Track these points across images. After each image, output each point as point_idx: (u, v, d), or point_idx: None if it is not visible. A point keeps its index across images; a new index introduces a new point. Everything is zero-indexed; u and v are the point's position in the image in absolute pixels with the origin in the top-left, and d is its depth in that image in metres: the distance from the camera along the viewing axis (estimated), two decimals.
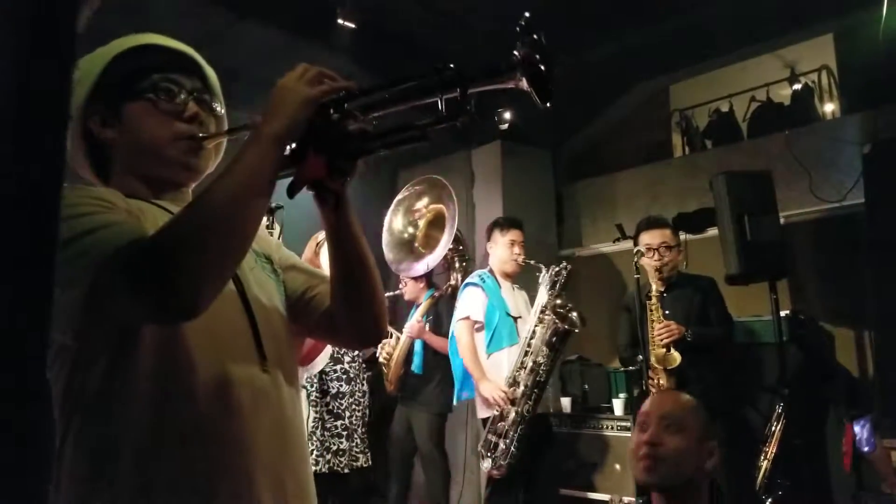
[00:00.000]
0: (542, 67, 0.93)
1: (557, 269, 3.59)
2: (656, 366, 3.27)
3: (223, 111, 1.20)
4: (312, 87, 0.95)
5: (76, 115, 1.10)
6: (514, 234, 3.73)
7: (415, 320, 4.10)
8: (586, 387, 4.76)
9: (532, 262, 3.69)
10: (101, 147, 1.11)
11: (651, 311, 3.36)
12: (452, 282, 4.20)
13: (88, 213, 0.94)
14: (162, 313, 0.89)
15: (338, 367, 3.65)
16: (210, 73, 1.19)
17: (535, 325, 3.47)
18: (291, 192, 1.00)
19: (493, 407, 3.42)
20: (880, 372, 3.55)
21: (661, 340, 3.26)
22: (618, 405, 4.40)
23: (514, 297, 3.77)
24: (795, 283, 4.41)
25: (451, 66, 0.94)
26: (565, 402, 4.69)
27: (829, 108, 5.35)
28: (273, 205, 2.60)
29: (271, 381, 1.05)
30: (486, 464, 3.39)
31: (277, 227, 2.62)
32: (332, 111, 0.97)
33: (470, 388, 3.64)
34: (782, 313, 3.91)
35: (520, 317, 3.69)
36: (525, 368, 3.42)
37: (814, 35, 4.96)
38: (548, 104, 0.96)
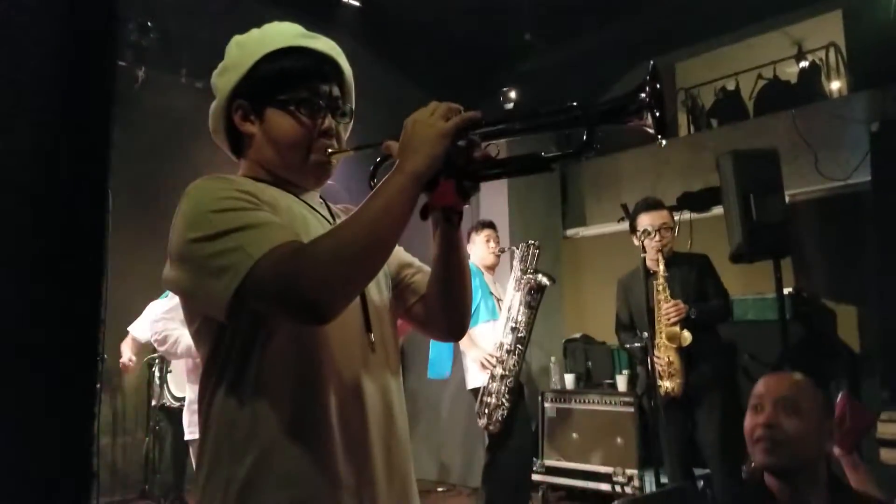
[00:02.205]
0: (661, 111, 1.01)
1: (527, 245, 3.89)
2: (668, 344, 3.31)
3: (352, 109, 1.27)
4: (446, 122, 1.02)
5: (222, 98, 1.18)
6: (487, 233, 4.02)
7: None
8: (590, 364, 4.83)
9: (508, 248, 4.05)
10: (239, 133, 1.20)
11: (658, 290, 3.40)
12: None
13: (241, 208, 1.02)
14: (300, 317, 0.98)
15: None
16: (348, 75, 1.24)
17: (514, 295, 3.78)
18: (425, 215, 1.09)
19: (483, 371, 3.68)
20: (884, 344, 3.58)
21: (670, 319, 3.31)
22: (621, 381, 4.46)
23: (494, 286, 3.99)
24: (799, 261, 4.44)
25: (579, 105, 1.02)
26: (569, 379, 4.76)
27: (836, 85, 5.33)
28: None
29: (378, 360, 1.15)
30: (483, 421, 3.66)
31: None
32: (460, 140, 1.04)
33: (442, 369, 3.85)
34: (785, 291, 3.94)
35: (501, 299, 3.89)
36: (509, 331, 3.72)
37: (822, 12, 4.93)
38: (663, 140, 1.04)
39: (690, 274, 3.50)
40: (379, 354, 1.15)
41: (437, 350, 3.97)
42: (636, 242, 3.51)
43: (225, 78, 1.18)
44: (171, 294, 3.64)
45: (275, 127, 1.16)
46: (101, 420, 3.82)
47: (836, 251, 4.40)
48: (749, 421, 1.55)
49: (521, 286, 3.77)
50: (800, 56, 5.38)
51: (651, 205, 3.62)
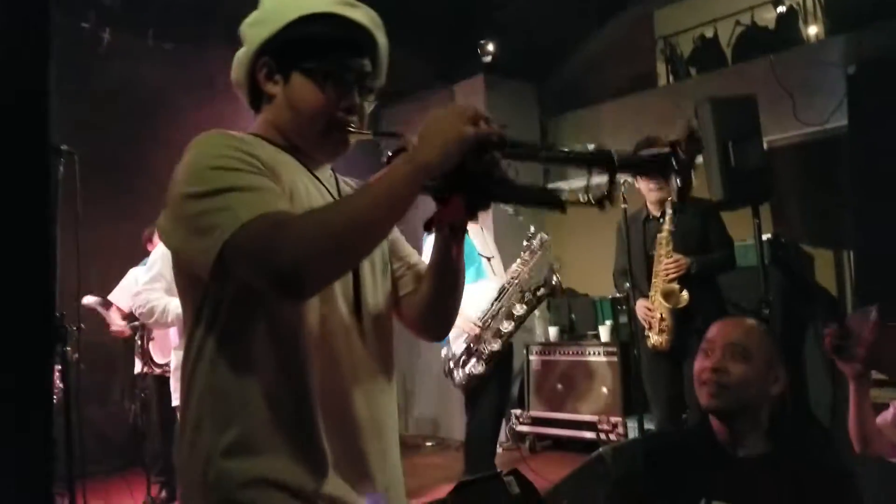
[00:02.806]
0: (686, 181, 1.01)
1: (540, 241, 3.74)
2: (662, 301, 3.28)
3: (380, 85, 1.22)
4: (471, 127, 0.97)
5: (250, 51, 1.14)
6: None
7: None
8: (573, 316, 4.88)
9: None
10: (260, 89, 1.15)
11: (661, 243, 3.36)
12: None
13: (239, 168, 0.99)
14: (275, 289, 0.95)
15: None
16: (383, 49, 1.18)
17: (513, 289, 3.65)
18: (429, 227, 1.07)
19: (464, 336, 3.61)
20: (860, 287, 3.65)
21: (669, 275, 3.28)
22: (604, 332, 4.51)
23: (482, 238, 3.86)
24: (777, 207, 4.47)
25: (608, 151, 1.01)
26: (552, 332, 4.81)
27: (813, 30, 5.30)
28: None
29: (368, 343, 1.13)
30: (454, 381, 3.65)
31: None
32: (481, 154, 0.99)
33: None
34: (764, 237, 3.98)
35: (492, 257, 3.80)
36: (503, 318, 3.60)
37: None
38: (684, 201, 1.03)
39: (694, 221, 3.45)
40: (368, 338, 1.13)
41: None
42: (641, 186, 3.44)
43: (255, 30, 1.13)
44: (149, 262, 3.58)
45: (297, 94, 1.11)
46: (85, 390, 3.81)
47: (813, 196, 4.45)
48: (698, 364, 1.58)
49: (527, 287, 3.66)
50: (777, 1, 5.33)
51: (652, 141, 3.56)
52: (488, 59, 4.78)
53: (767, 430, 1.54)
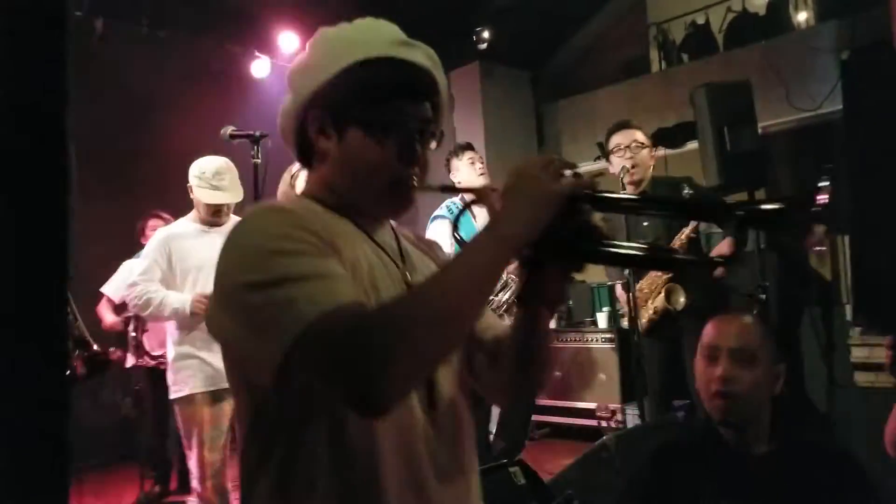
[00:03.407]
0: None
1: None
2: (662, 299, 3.26)
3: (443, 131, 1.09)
4: (558, 183, 0.86)
5: (298, 103, 1.00)
6: (470, 155, 3.75)
7: None
8: (570, 302, 4.89)
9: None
10: (311, 143, 1.02)
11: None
12: None
13: (300, 251, 0.86)
14: (353, 402, 0.81)
15: None
16: (443, 90, 1.05)
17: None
18: (523, 303, 0.98)
19: None
20: (855, 272, 3.68)
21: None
22: (601, 318, 4.53)
23: (486, 218, 3.81)
24: (773, 192, 4.49)
25: (721, 201, 0.90)
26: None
27: (803, 16, 5.33)
28: (257, 133, 2.56)
29: (445, 439, 1.00)
30: None
31: (262, 157, 2.58)
32: (572, 211, 0.88)
33: None
34: None
35: None
36: (501, 309, 3.54)
37: None
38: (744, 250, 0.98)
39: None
40: (444, 428, 0.98)
41: None
42: (612, 168, 3.45)
43: (304, 79, 1.00)
44: (144, 253, 3.53)
45: (355, 149, 0.98)
46: (78, 383, 3.76)
47: (807, 181, 4.47)
48: (704, 372, 1.52)
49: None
50: None
51: (621, 124, 3.54)
52: (483, 46, 4.75)
53: (770, 424, 1.52)
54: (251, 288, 0.85)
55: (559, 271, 0.96)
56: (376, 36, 1.00)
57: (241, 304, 0.86)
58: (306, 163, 1.06)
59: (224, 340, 0.95)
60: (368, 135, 0.97)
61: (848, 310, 3.62)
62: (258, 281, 0.84)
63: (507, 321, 3.48)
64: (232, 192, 2.97)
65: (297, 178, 3.80)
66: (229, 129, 2.55)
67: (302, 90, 1.00)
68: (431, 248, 1.17)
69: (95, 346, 2.85)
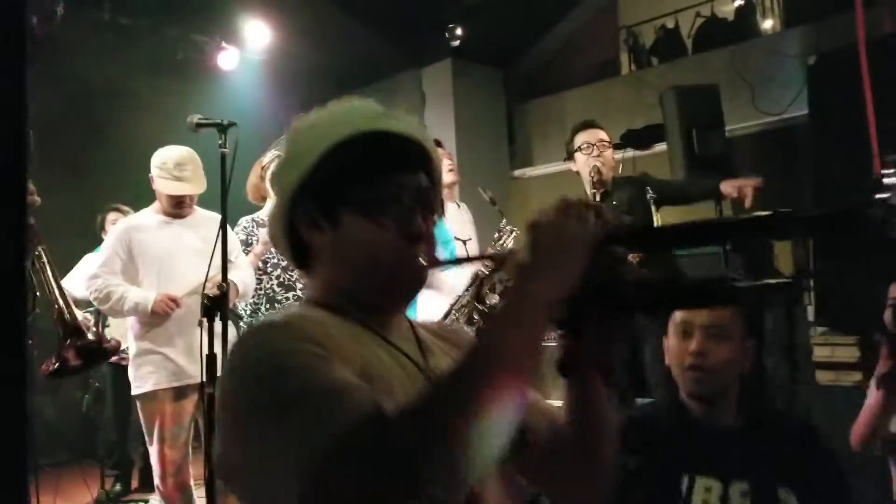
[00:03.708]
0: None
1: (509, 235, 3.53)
2: None
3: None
4: (585, 226, 0.77)
5: (284, 202, 0.92)
6: (439, 152, 3.74)
7: None
8: None
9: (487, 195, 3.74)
10: (305, 243, 0.93)
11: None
12: None
13: (308, 366, 0.76)
14: None
15: (290, 294, 3.62)
16: (436, 159, 0.96)
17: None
18: (564, 372, 0.88)
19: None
20: (817, 273, 3.76)
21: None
22: None
23: (459, 217, 3.79)
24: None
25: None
26: None
27: (769, 24, 5.43)
28: (225, 122, 2.50)
29: None
30: None
31: (230, 147, 2.52)
32: (605, 256, 0.78)
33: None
34: None
35: (469, 239, 3.72)
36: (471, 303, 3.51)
37: None
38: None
39: (631, 196, 3.42)
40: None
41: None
42: (576, 167, 3.47)
43: (285, 176, 0.92)
44: (104, 245, 3.44)
45: (352, 237, 0.89)
46: (36, 379, 3.65)
47: (772, 183, 4.55)
48: (677, 347, 1.55)
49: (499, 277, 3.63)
50: None
51: (588, 123, 3.56)
52: (456, 43, 4.74)
53: (738, 399, 1.56)
54: (256, 414, 0.75)
55: (603, 328, 0.85)
56: (354, 113, 0.93)
57: (245, 434, 0.76)
58: (304, 267, 0.96)
59: (233, 480, 0.82)
60: (364, 217, 0.88)
61: (810, 310, 3.69)
62: (263, 406, 0.75)
63: (470, 330, 3.51)
64: (195, 183, 2.91)
65: (267, 170, 3.75)
66: (196, 118, 2.49)
67: (286, 187, 0.91)
68: (458, 336, 1.04)
69: (90, 335, 2.73)
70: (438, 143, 3.98)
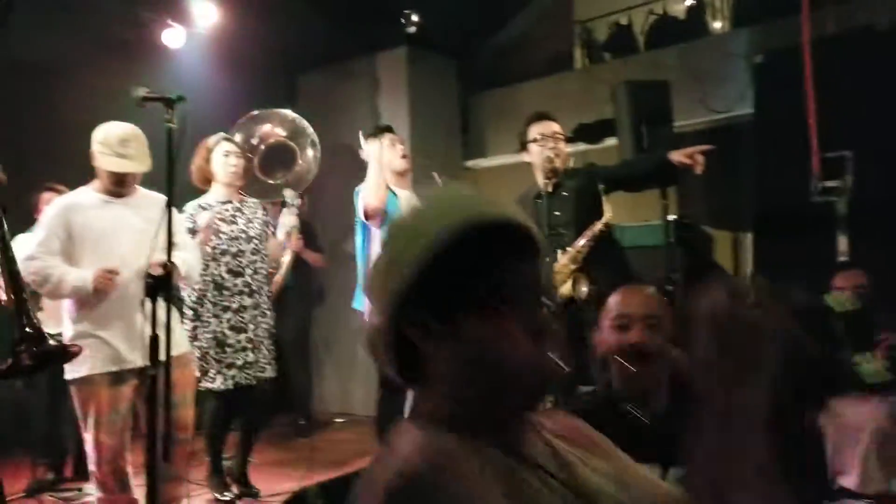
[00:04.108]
0: None
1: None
2: (569, 286, 3.30)
3: None
4: (775, 319, 0.71)
5: (389, 311, 0.81)
6: (391, 136, 3.71)
7: (287, 237, 4.01)
8: None
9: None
10: (414, 353, 0.82)
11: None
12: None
13: None
14: None
15: (238, 280, 3.54)
16: (539, 242, 0.85)
17: None
18: None
19: None
20: (756, 267, 3.88)
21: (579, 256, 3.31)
22: None
23: (409, 204, 3.79)
24: (683, 189, 4.68)
25: None
26: None
27: (718, 24, 5.57)
28: (173, 96, 2.41)
29: None
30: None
31: (176, 122, 2.43)
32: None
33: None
34: (670, 218, 4.16)
35: None
36: None
37: None
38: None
39: (580, 186, 3.40)
40: None
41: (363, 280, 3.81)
42: (529, 158, 3.49)
43: (391, 279, 0.80)
44: (38, 225, 3.30)
45: (475, 341, 0.78)
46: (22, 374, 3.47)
47: (716, 180, 4.67)
48: (612, 338, 1.59)
49: None
50: None
51: (541, 115, 3.58)
52: (412, 30, 4.69)
53: (669, 386, 1.59)
54: None
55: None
56: (459, 204, 0.82)
57: None
58: (414, 382, 0.85)
59: None
60: (486, 317, 0.78)
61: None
62: None
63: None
64: (139, 161, 2.81)
65: (214, 152, 3.67)
66: (142, 91, 2.39)
67: (391, 296, 0.80)
68: (589, 439, 0.96)
69: (52, 341, 2.57)
70: (389, 129, 3.97)
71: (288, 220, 3.83)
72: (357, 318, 4.27)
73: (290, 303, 4.70)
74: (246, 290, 3.55)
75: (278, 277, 4.47)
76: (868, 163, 3.36)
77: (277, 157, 3.84)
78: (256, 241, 3.61)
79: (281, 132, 3.91)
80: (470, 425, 0.79)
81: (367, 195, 3.56)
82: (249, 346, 3.51)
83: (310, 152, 3.90)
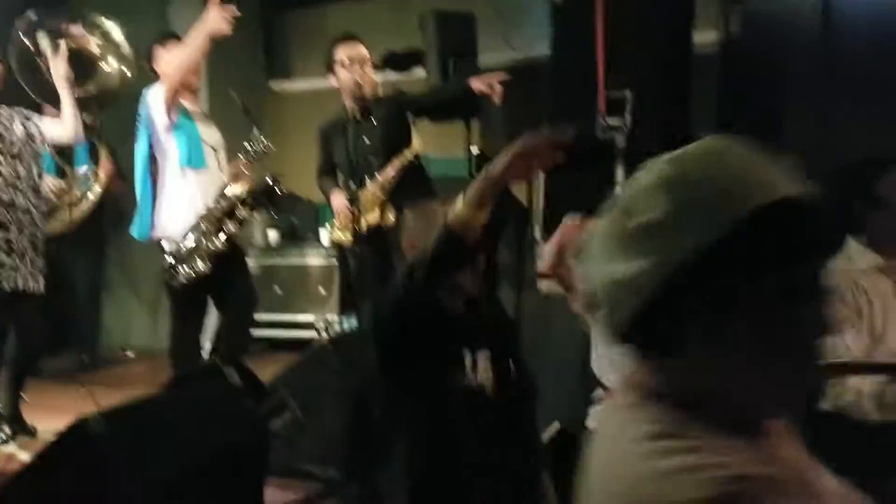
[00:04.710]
0: None
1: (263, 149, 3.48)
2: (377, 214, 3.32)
3: None
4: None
5: (662, 271, 0.70)
6: (174, 42, 3.53)
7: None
8: (294, 220, 4.83)
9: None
10: (671, 330, 0.72)
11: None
12: None
13: None
14: None
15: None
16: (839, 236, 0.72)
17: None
18: None
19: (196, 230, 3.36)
20: (546, 199, 4.19)
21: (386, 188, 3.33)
22: (324, 235, 4.55)
23: (209, 127, 3.58)
24: (485, 124, 4.87)
25: None
26: (272, 235, 4.71)
27: None
28: None
29: None
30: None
31: None
32: None
33: (144, 228, 3.46)
34: (473, 151, 4.34)
35: (217, 149, 3.54)
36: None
37: None
38: None
39: (390, 114, 3.44)
40: None
41: (144, 203, 3.44)
42: (336, 83, 3.43)
43: (660, 244, 0.71)
44: None
45: (767, 327, 0.71)
46: None
47: (517, 118, 4.92)
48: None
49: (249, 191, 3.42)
50: None
51: (348, 35, 3.52)
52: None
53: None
54: None
55: None
56: (756, 173, 0.73)
57: None
58: (659, 353, 0.75)
59: None
60: (784, 308, 0.70)
61: (538, 229, 4.13)
62: None
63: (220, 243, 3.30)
64: None
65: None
66: None
67: (668, 256, 0.70)
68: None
69: None
70: (176, 36, 3.68)
71: None
72: (142, 249, 3.98)
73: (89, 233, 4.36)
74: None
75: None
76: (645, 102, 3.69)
77: None
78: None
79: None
80: (724, 413, 0.73)
81: (177, 65, 3.27)
82: (5, 246, 3.18)
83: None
